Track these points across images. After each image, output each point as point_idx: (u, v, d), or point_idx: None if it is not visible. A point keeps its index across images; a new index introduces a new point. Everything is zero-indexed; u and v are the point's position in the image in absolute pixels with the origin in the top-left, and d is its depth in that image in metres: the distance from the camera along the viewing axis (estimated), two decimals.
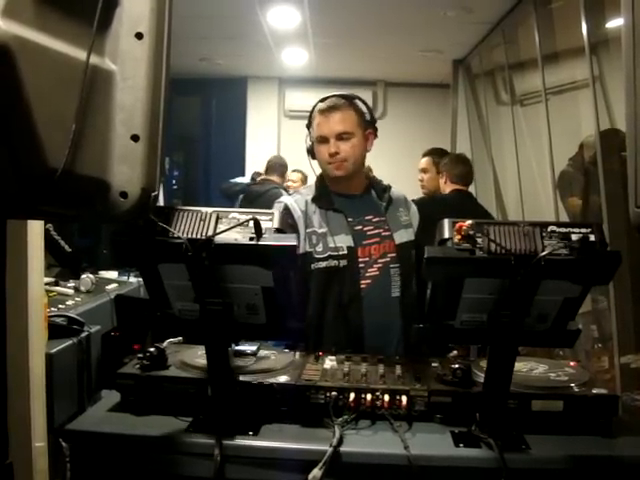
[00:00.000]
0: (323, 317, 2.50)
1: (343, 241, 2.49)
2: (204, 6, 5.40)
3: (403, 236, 2.57)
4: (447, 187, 4.46)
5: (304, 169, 6.58)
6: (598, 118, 3.84)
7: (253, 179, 6.16)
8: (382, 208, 2.59)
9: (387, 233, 2.55)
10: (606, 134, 3.82)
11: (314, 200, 2.57)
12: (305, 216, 2.53)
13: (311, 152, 2.60)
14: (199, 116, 9.34)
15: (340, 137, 2.47)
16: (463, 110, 7.55)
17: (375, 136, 2.60)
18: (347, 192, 2.60)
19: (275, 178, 5.94)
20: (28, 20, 1.01)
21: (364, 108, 2.55)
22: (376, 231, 2.55)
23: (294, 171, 6.67)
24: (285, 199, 2.62)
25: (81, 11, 1.11)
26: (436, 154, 4.87)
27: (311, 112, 2.56)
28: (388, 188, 2.65)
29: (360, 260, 2.51)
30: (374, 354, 2.13)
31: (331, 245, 2.48)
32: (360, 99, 2.56)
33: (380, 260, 2.53)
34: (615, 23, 3.81)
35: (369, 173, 2.73)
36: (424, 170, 4.89)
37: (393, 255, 2.54)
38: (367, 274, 2.51)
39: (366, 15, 5.73)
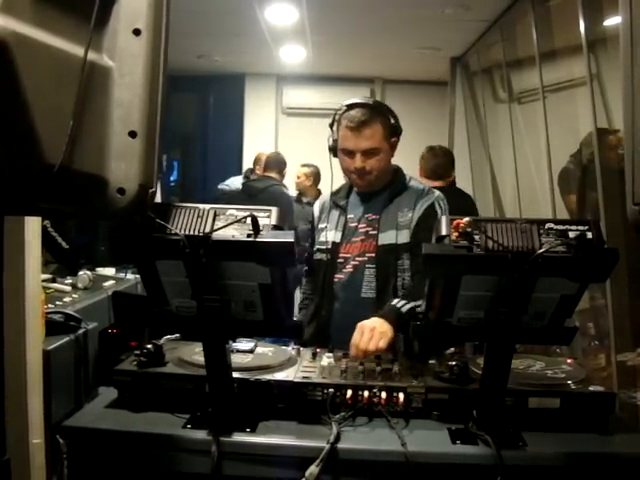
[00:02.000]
0: (308, 308, 2.62)
1: (332, 236, 2.56)
2: (202, 3, 5.39)
3: (390, 238, 2.49)
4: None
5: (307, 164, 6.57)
6: (596, 116, 3.84)
7: (247, 177, 6.12)
8: (383, 207, 2.55)
9: (374, 232, 2.52)
10: (603, 132, 3.83)
11: (332, 195, 2.66)
12: (320, 214, 2.66)
13: (333, 150, 2.57)
14: (197, 113, 9.34)
15: (366, 153, 2.45)
16: (461, 108, 7.56)
17: (399, 140, 2.57)
18: (366, 190, 2.59)
19: (274, 174, 5.91)
20: (26, 16, 1.01)
21: (390, 118, 2.51)
22: (365, 229, 2.55)
23: (304, 165, 6.60)
24: (317, 202, 2.76)
25: (79, 7, 1.11)
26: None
27: (336, 116, 2.52)
28: (403, 187, 2.59)
29: (341, 256, 2.54)
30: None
31: (322, 239, 2.56)
32: (386, 107, 2.54)
33: (357, 258, 2.52)
34: (613, 21, 3.81)
35: (395, 167, 2.66)
36: None
37: (372, 255, 2.50)
38: (344, 270, 2.53)
39: (364, 12, 5.73)
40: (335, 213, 2.60)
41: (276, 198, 5.32)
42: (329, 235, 2.56)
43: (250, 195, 5.54)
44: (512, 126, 5.87)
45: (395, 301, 2.38)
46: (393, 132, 2.53)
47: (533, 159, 5.34)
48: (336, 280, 2.53)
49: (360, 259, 2.52)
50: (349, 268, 2.53)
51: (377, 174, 2.50)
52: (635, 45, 1.12)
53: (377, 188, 2.58)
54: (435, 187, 4.35)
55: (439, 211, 2.52)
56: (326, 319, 2.52)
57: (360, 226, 2.55)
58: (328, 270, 2.54)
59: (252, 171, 6.29)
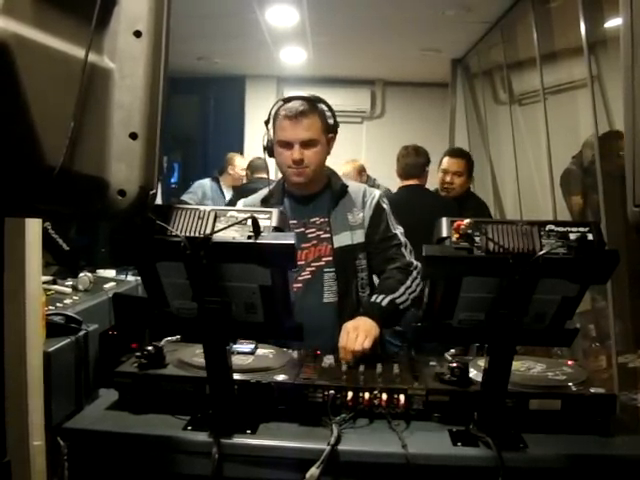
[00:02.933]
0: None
1: None
2: (202, 5, 5.40)
3: (345, 239, 2.45)
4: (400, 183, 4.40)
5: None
6: (596, 118, 3.84)
7: (216, 178, 6.19)
8: (330, 209, 2.49)
9: (326, 235, 2.46)
10: (609, 135, 3.83)
11: (263, 201, 2.51)
12: None
13: (269, 151, 2.48)
14: (197, 115, 9.34)
15: (305, 144, 2.38)
16: (461, 109, 7.56)
17: (334, 139, 2.51)
18: (302, 193, 2.51)
19: (265, 175, 5.91)
20: (26, 18, 1.01)
21: (328, 112, 2.46)
22: (316, 233, 2.47)
23: (349, 162, 6.26)
24: (240, 202, 2.59)
25: (79, 9, 1.11)
26: (467, 157, 4.59)
27: (273, 111, 2.44)
28: (344, 186, 2.54)
29: None
30: None
31: None
32: (324, 102, 2.47)
33: (313, 264, 2.45)
34: (614, 23, 3.81)
35: (329, 172, 2.59)
36: (459, 173, 4.46)
37: (329, 259, 2.45)
38: (300, 278, 2.44)
39: (365, 14, 5.73)
40: None
41: None
42: None
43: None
44: (513, 128, 5.87)
45: (373, 297, 2.35)
46: (330, 128, 2.47)
47: (534, 161, 5.34)
48: (294, 290, 2.39)
49: (316, 264, 2.45)
50: (306, 275, 2.44)
51: (314, 168, 2.42)
52: (636, 46, 1.12)
53: (314, 190, 2.51)
54: (405, 186, 4.35)
55: (385, 207, 2.52)
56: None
57: (308, 231, 2.47)
58: None
59: (221, 173, 6.41)
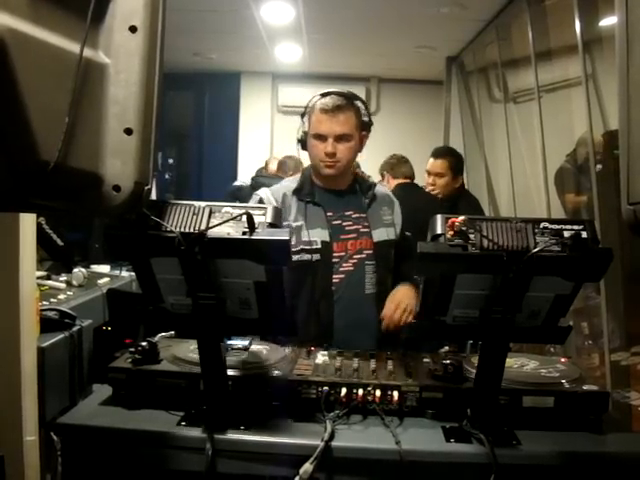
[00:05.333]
0: (296, 311, 2.48)
1: (319, 235, 2.48)
2: (198, 0, 5.39)
3: (382, 234, 2.56)
4: (393, 183, 4.49)
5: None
6: (591, 116, 3.85)
7: (258, 175, 6.22)
8: (364, 205, 2.59)
9: (366, 230, 2.55)
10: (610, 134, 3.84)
11: (295, 192, 2.56)
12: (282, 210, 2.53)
13: (302, 143, 2.56)
14: (192, 111, 9.32)
15: (339, 138, 2.45)
16: (456, 107, 7.56)
17: (367, 137, 2.59)
18: (331, 187, 2.58)
19: (282, 175, 5.96)
20: (21, 13, 1.00)
21: (363, 109, 2.53)
22: (355, 227, 2.55)
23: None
24: (261, 191, 2.61)
25: (75, 4, 1.10)
26: (451, 156, 4.53)
27: (309, 105, 2.51)
28: (373, 185, 2.65)
29: (335, 255, 2.50)
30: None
31: (305, 239, 2.47)
32: (360, 99, 2.54)
33: (356, 256, 2.53)
34: (609, 21, 3.82)
35: (356, 169, 2.72)
36: (440, 174, 4.39)
37: (369, 252, 2.54)
38: (341, 269, 2.51)
39: (360, 11, 5.73)
40: (310, 210, 2.51)
41: None
42: (314, 234, 2.47)
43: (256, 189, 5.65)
44: (507, 126, 5.88)
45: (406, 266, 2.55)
46: (365, 125, 2.54)
47: (528, 159, 5.35)
48: (336, 280, 2.49)
49: (358, 256, 2.52)
50: (347, 267, 2.51)
51: (346, 163, 2.50)
52: (631, 45, 1.12)
53: (342, 185, 2.59)
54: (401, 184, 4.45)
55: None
56: (326, 319, 2.48)
57: (345, 223, 2.54)
58: (321, 271, 2.48)
59: (262, 170, 6.40)
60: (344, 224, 2.54)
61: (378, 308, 2.50)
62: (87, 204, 1.21)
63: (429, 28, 6.21)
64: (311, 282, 2.48)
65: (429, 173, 4.45)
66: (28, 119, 1.02)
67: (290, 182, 2.64)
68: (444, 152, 4.62)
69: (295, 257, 2.44)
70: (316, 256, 2.47)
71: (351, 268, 2.52)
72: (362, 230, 2.54)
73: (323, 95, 2.49)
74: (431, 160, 4.47)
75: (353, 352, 2.09)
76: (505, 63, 6.01)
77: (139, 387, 1.87)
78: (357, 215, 2.56)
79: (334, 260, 2.50)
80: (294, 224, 2.48)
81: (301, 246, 2.46)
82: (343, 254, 2.51)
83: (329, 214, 2.52)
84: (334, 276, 2.49)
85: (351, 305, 2.49)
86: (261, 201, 2.52)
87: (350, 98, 2.49)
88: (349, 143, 2.47)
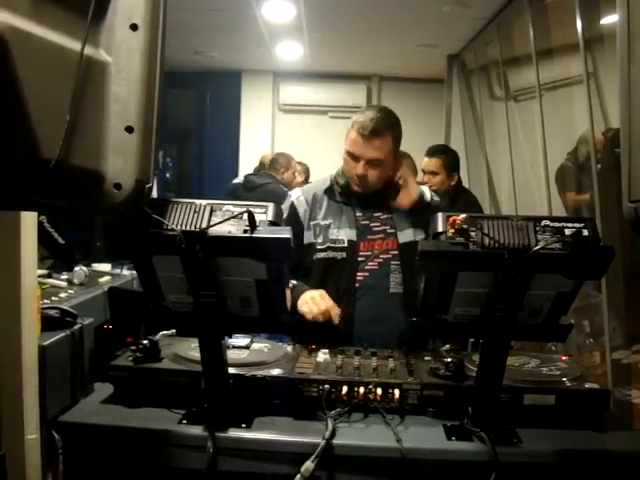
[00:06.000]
0: None
1: (346, 234, 2.53)
2: None
3: (408, 236, 2.55)
4: None
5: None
6: (592, 114, 3.85)
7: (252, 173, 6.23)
8: (392, 207, 2.58)
9: (392, 231, 2.56)
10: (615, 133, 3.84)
11: (326, 192, 2.62)
12: (310, 208, 2.60)
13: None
14: (193, 109, 9.33)
15: (371, 162, 2.44)
16: (457, 105, 7.56)
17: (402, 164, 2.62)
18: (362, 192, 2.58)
19: (274, 173, 5.96)
20: (23, 11, 1.01)
21: (399, 131, 2.52)
22: (382, 227, 2.57)
23: (297, 163, 6.43)
24: (293, 193, 2.68)
25: (76, 2, 1.10)
26: (444, 154, 4.55)
27: (353, 118, 2.51)
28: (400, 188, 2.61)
29: (361, 254, 2.53)
30: (363, 345, 2.14)
31: (332, 237, 2.53)
32: (398, 124, 2.52)
33: (382, 255, 2.54)
34: (610, 19, 3.82)
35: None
36: (433, 173, 4.44)
37: (395, 252, 2.54)
38: (367, 267, 2.53)
39: (361, 9, 5.73)
40: (340, 209, 2.57)
41: (268, 193, 5.47)
42: (341, 233, 2.53)
43: (248, 189, 5.73)
44: (508, 124, 5.87)
45: None
46: (399, 146, 2.55)
47: (529, 157, 5.35)
48: (360, 278, 2.52)
49: (385, 256, 2.54)
50: (373, 265, 2.53)
51: (376, 183, 2.51)
52: (632, 43, 1.12)
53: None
54: None
55: None
56: (348, 317, 2.48)
57: (373, 224, 2.57)
58: (346, 268, 2.52)
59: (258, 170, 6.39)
60: (372, 225, 2.57)
61: (404, 307, 2.49)
62: (88, 202, 1.21)
63: (430, 26, 6.21)
64: (336, 279, 2.52)
65: (423, 172, 4.50)
66: (29, 117, 1.02)
67: (322, 182, 2.68)
68: (437, 150, 4.63)
69: (322, 255, 2.52)
70: (342, 254, 2.52)
71: (376, 267, 2.54)
72: (389, 231, 2.57)
73: (364, 112, 2.51)
74: (425, 159, 4.53)
75: (354, 350, 2.09)
76: (506, 61, 6.01)
77: (140, 385, 1.87)
78: (385, 216, 2.58)
79: (360, 259, 2.53)
80: (322, 222, 2.56)
81: (328, 244, 2.53)
82: (369, 253, 2.54)
83: (358, 214, 2.57)
84: (359, 274, 2.52)
85: (373, 301, 2.52)
86: (292, 205, 2.61)
87: (391, 123, 2.47)
88: (381, 167, 2.47)
